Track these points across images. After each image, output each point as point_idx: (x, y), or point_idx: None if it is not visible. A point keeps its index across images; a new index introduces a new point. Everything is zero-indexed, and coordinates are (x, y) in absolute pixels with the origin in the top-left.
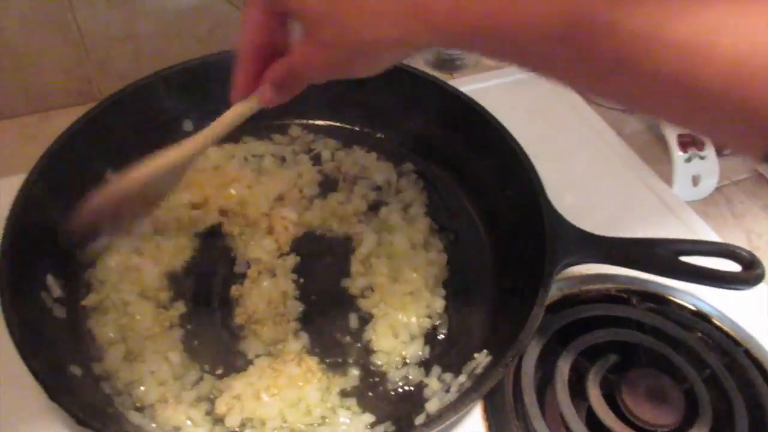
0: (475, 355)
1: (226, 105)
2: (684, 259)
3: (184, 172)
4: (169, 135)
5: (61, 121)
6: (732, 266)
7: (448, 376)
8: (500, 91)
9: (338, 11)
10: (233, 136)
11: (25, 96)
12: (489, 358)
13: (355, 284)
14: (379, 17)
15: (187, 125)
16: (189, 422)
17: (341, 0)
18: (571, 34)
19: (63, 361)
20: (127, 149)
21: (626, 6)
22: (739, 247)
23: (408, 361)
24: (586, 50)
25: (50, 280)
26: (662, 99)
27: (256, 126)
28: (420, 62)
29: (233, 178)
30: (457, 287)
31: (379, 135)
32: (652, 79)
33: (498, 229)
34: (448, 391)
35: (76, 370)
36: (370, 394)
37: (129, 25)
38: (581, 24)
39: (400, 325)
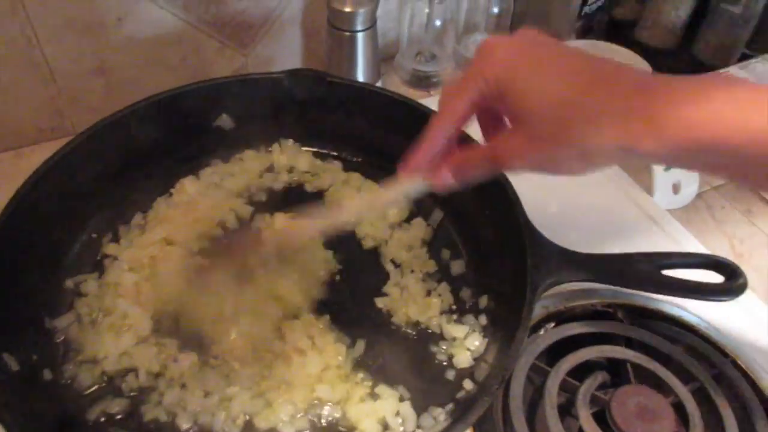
0: (463, 382)
1: (201, 135)
2: (667, 272)
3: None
4: (145, 168)
5: (35, 157)
6: (715, 277)
7: (436, 408)
8: None
9: (566, 112)
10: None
11: None
12: (476, 385)
13: None
14: (608, 123)
15: (163, 158)
16: None
17: (572, 102)
18: None
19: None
20: (101, 185)
21: None
22: (722, 258)
23: None
24: None
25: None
26: None
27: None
28: (396, 81)
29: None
30: None
31: (356, 159)
32: None
33: (478, 250)
34: (436, 421)
35: None
36: None
37: (99, 58)
38: None
39: None
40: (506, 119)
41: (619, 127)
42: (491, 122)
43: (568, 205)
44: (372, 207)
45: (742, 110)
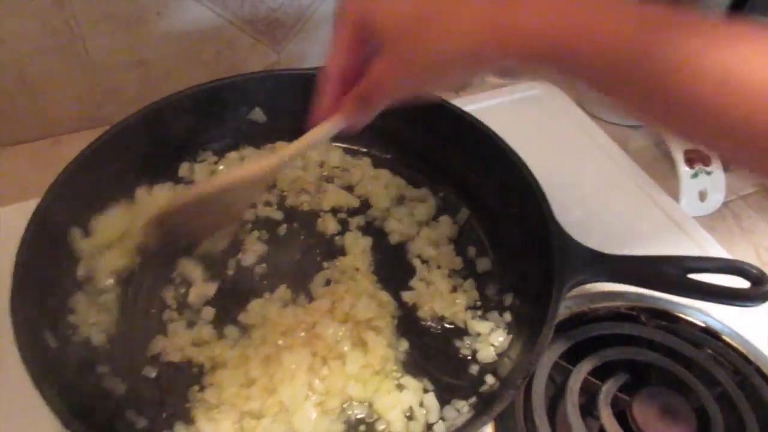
0: (485, 377)
1: (234, 129)
2: (693, 276)
3: (260, 188)
4: (179, 160)
5: (72, 146)
6: (741, 282)
7: (459, 401)
8: (505, 108)
9: (416, 27)
10: None
11: (36, 121)
12: (499, 380)
13: None
14: (454, 32)
15: (197, 150)
16: None
17: (420, 17)
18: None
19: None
20: (136, 174)
21: (664, 35)
22: (748, 264)
23: None
24: (628, 77)
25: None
26: (689, 122)
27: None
28: None
29: None
30: None
31: (385, 155)
32: (682, 105)
33: (504, 248)
34: (459, 413)
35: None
36: None
37: (136, 51)
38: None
39: None
40: None
41: (467, 36)
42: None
43: (593, 208)
44: (294, 154)
45: (574, 15)
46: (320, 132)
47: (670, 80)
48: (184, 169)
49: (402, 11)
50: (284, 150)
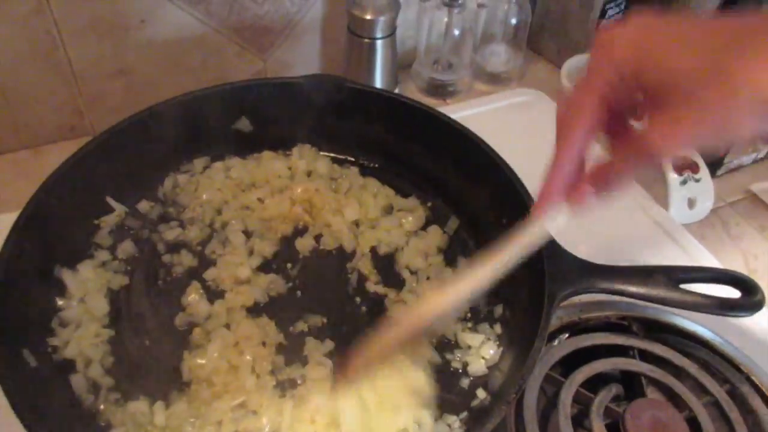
0: (477, 391)
1: (220, 138)
2: (684, 286)
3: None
4: (163, 170)
5: (54, 156)
6: (732, 292)
7: (450, 416)
8: (493, 115)
9: (727, 58)
10: None
11: (16, 131)
12: (490, 395)
13: None
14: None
15: (181, 160)
16: None
17: (731, 46)
18: None
19: None
20: (120, 185)
21: None
22: (739, 273)
23: None
24: None
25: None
26: None
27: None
28: (413, 89)
29: None
30: None
31: (372, 165)
32: None
33: None
34: (450, 429)
35: None
36: None
37: (120, 60)
38: None
39: None
40: (632, 121)
41: None
42: (617, 128)
43: (582, 218)
44: (505, 266)
45: None
46: (545, 227)
47: None
48: (168, 182)
49: (694, 49)
50: (497, 255)
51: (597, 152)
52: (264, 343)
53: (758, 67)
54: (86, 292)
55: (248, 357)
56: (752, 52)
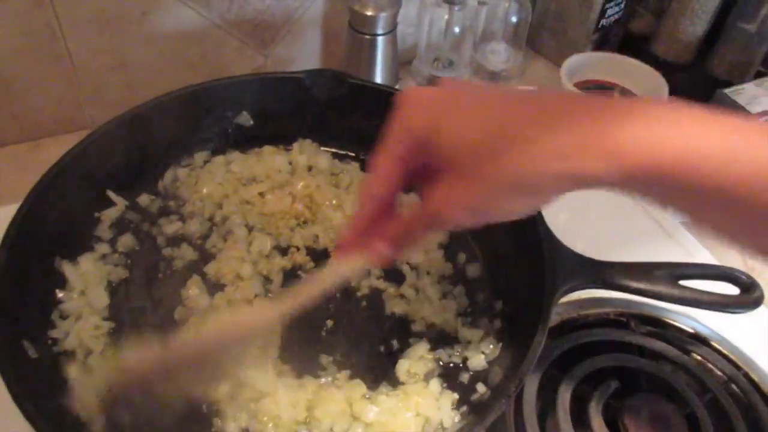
0: (476, 385)
1: (220, 133)
2: (683, 283)
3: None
4: (163, 164)
5: (53, 149)
6: (731, 289)
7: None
8: None
9: (501, 145)
10: None
11: (16, 124)
12: (489, 389)
13: None
14: (540, 147)
15: (181, 154)
16: None
17: (504, 135)
18: None
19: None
20: (120, 178)
21: None
22: (738, 270)
23: None
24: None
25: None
26: None
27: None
28: (412, 85)
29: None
30: None
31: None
32: None
33: (494, 254)
34: (451, 421)
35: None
36: None
37: (120, 53)
38: None
39: None
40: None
41: (553, 151)
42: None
43: (580, 213)
44: (311, 297)
45: (691, 135)
46: (345, 270)
47: None
48: (168, 175)
49: (477, 127)
50: (298, 293)
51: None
52: None
53: (523, 156)
54: (86, 285)
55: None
56: (526, 141)
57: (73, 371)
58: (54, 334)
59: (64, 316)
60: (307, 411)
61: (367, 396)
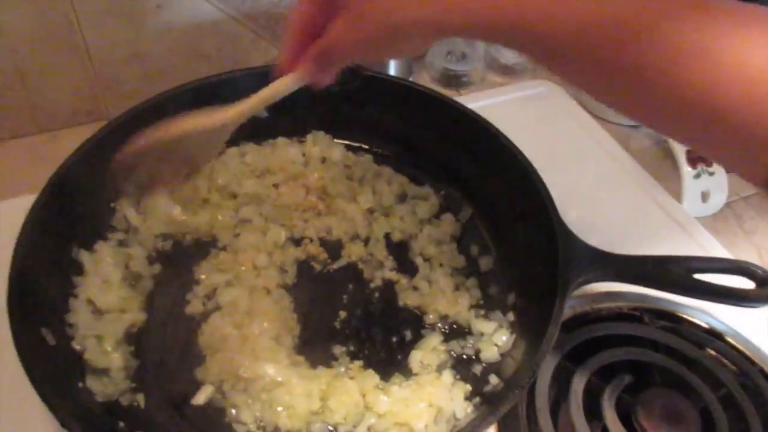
0: (489, 377)
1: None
2: (698, 276)
3: (222, 140)
4: None
5: (69, 140)
6: (746, 283)
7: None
8: (508, 106)
9: None
10: None
11: (32, 116)
12: (502, 381)
13: None
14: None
15: None
16: None
17: None
18: (605, 34)
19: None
20: None
21: (658, 17)
22: (753, 264)
23: None
24: (611, 53)
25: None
26: (674, 111)
27: None
28: (426, 79)
29: None
30: None
31: (386, 152)
32: (670, 91)
33: (507, 247)
34: (464, 413)
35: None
36: None
37: (136, 45)
38: (619, 25)
39: None
40: None
41: (430, 4)
42: None
43: (594, 208)
44: (252, 107)
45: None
46: (280, 86)
47: (676, 70)
48: None
49: None
50: (243, 102)
51: None
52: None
53: (408, 6)
54: (104, 273)
55: (260, 327)
56: None
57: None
58: (71, 319)
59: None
60: (320, 401)
61: (380, 386)
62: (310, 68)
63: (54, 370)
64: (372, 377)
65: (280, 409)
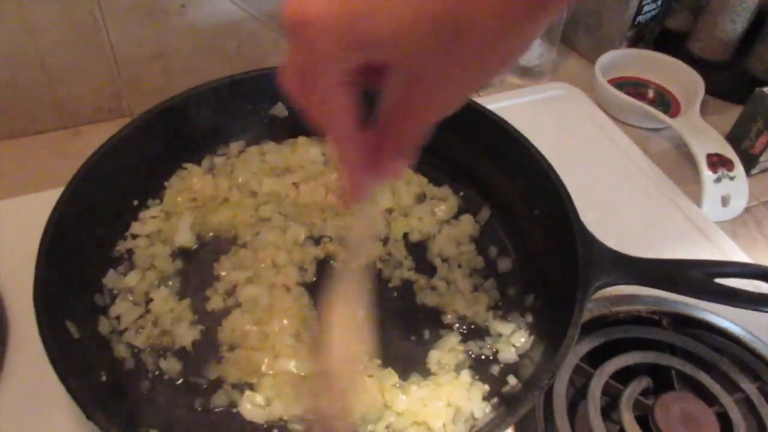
0: (507, 378)
1: (255, 123)
2: (718, 281)
3: None
4: (199, 153)
5: (92, 137)
6: (765, 288)
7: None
8: (527, 108)
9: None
10: None
11: (56, 112)
12: (521, 382)
13: None
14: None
15: (217, 144)
16: None
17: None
18: None
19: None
20: (158, 166)
21: None
22: None
23: None
24: None
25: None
26: None
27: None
28: None
29: None
30: None
31: None
32: None
33: (526, 248)
34: (483, 413)
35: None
36: None
37: (159, 44)
38: None
39: None
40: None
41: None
42: None
43: (613, 211)
44: (361, 241)
45: None
46: (366, 211)
47: None
48: (205, 164)
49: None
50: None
51: None
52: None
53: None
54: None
55: (280, 324)
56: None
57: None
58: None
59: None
60: None
61: (398, 385)
62: (402, 160)
63: (79, 362)
64: (390, 375)
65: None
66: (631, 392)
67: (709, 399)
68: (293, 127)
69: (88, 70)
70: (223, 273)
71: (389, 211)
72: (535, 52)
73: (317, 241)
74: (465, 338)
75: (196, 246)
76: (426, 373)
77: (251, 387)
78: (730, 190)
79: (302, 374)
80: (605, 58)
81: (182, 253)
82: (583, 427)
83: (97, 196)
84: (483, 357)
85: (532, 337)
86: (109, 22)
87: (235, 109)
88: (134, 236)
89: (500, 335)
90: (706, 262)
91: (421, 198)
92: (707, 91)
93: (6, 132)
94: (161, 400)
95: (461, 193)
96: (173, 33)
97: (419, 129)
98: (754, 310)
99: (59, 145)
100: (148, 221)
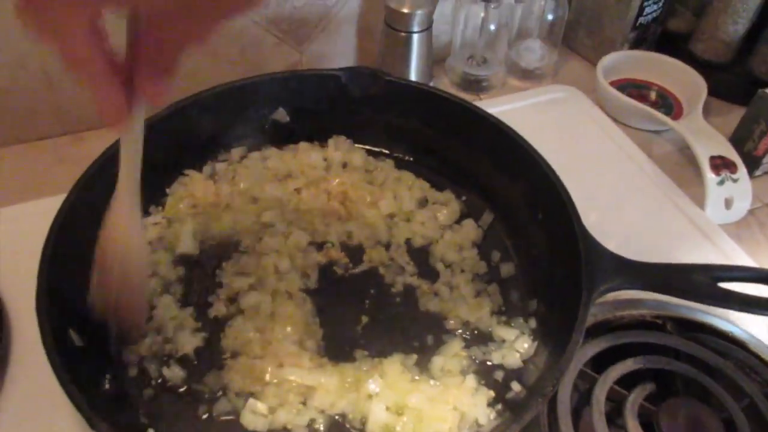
0: (511, 383)
1: (257, 129)
2: (723, 285)
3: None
4: (201, 159)
5: (94, 143)
6: None
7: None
8: (527, 112)
9: None
10: None
11: (59, 117)
12: (525, 388)
13: None
14: None
15: (219, 149)
16: None
17: None
18: None
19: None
20: (159, 172)
21: None
22: None
23: None
24: None
25: None
26: None
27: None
28: (447, 84)
29: None
30: None
31: (407, 158)
32: None
33: (529, 253)
34: (487, 419)
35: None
36: None
37: None
38: None
39: None
40: None
41: None
42: None
43: (615, 214)
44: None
45: None
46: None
47: None
48: (206, 170)
49: None
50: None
51: None
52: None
53: None
54: None
55: (283, 331)
56: None
57: None
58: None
59: None
60: None
61: (404, 390)
62: (157, 86)
63: (81, 370)
64: (395, 381)
65: (303, 409)
66: (635, 398)
67: (715, 404)
68: (295, 133)
69: None
70: (226, 280)
71: (391, 216)
72: (537, 55)
73: (320, 246)
74: (468, 344)
75: (198, 253)
76: (430, 379)
77: (254, 395)
78: (734, 193)
79: (307, 384)
80: (607, 60)
81: (184, 260)
82: None
83: (100, 202)
84: (487, 363)
85: (536, 343)
86: (110, 27)
87: (237, 114)
88: None
89: (504, 341)
90: (710, 266)
91: (423, 203)
92: (710, 93)
93: (8, 138)
94: (165, 408)
95: (463, 198)
96: None
97: (169, 57)
98: (759, 314)
99: (61, 151)
100: (149, 228)
